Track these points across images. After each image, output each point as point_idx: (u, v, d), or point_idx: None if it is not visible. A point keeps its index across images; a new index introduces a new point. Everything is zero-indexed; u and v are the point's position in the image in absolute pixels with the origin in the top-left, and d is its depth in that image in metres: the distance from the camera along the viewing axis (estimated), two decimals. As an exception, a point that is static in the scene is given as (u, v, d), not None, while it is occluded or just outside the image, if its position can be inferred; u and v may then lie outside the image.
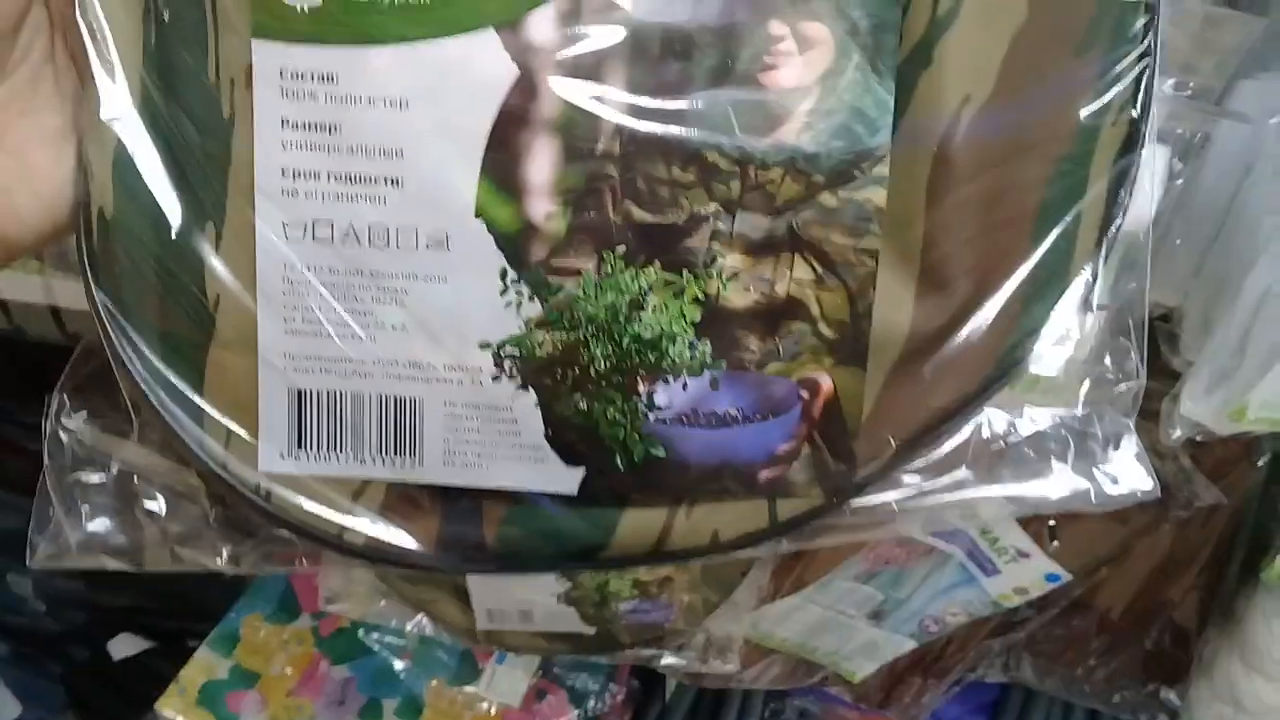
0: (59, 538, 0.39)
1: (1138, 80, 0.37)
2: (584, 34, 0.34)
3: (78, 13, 0.34)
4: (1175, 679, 0.70)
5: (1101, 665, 0.71)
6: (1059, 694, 0.73)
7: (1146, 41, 0.37)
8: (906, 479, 0.40)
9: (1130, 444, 0.41)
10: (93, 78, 0.35)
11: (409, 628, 0.59)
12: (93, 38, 0.35)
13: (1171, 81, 0.46)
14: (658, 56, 0.35)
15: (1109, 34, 0.36)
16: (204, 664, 0.73)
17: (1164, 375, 0.52)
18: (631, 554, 0.40)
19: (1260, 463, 0.64)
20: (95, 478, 0.39)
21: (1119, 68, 0.36)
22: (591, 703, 0.72)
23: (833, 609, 0.54)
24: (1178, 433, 0.53)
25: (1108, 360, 0.40)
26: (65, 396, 0.39)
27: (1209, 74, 0.50)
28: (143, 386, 0.37)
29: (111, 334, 0.36)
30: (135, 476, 0.38)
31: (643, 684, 0.76)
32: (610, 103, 0.35)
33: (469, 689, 0.73)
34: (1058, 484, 0.41)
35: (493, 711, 0.73)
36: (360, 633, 0.75)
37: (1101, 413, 0.41)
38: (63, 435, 0.39)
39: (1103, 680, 0.71)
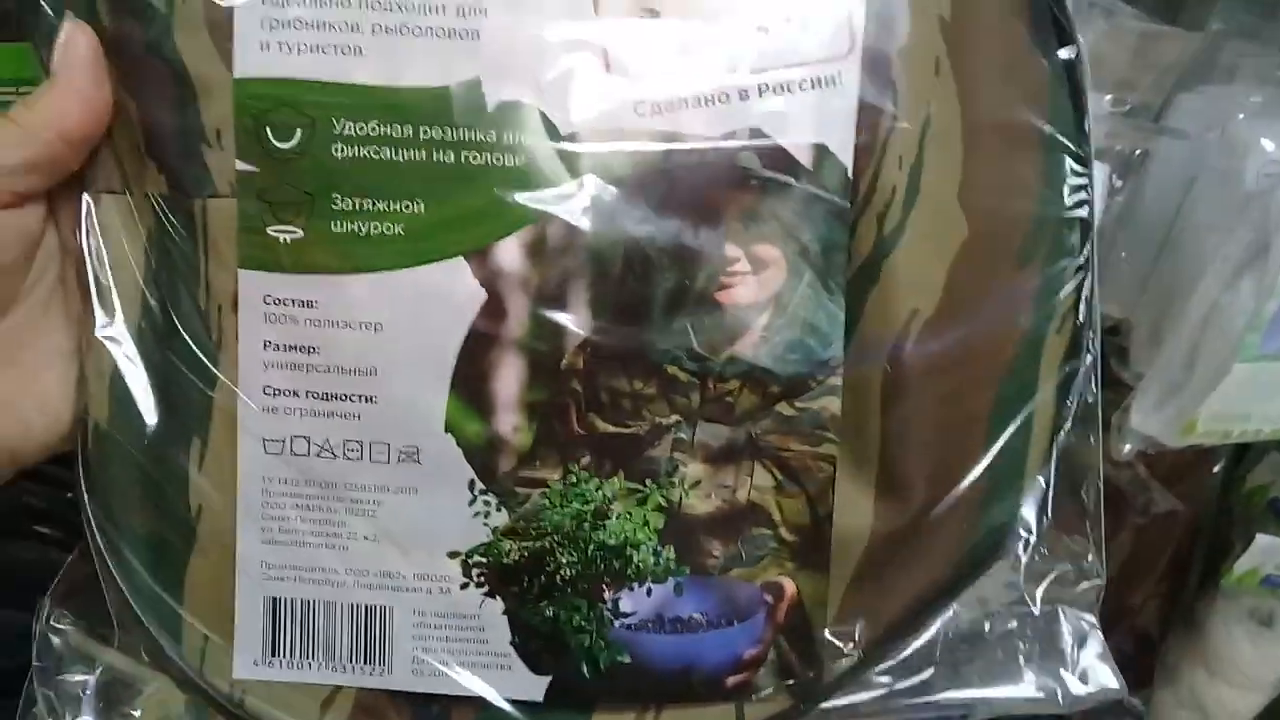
0: (41, 740, 0.39)
1: (1078, 289, 0.39)
2: (547, 259, 0.36)
3: (82, 239, 0.37)
4: (1138, 684, 0.68)
5: None
6: None
7: (1084, 253, 0.39)
8: (875, 679, 0.41)
9: (1095, 644, 0.41)
10: (92, 299, 0.37)
11: None
12: (95, 262, 0.37)
13: (1109, 98, 0.48)
14: (618, 278, 0.37)
15: (1047, 247, 0.38)
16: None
17: (1114, 386, 0.51)
18: None
19: (1216, 469, 0.64)
20: (80, 680, 0.39)
21: (1059, 278, 0.38)
22: None
23: None
24: (1128, 447, 0.52)
25: (1066, 560, 0.41)
26: (56, 601, 0.40)
27: (1147, 90, 0.50)
28: (125, 593, 0.38)
29: (100, 541, 0.38)
30: (117, 682, 0.39)
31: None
32: (574, 322, 0.37)
33: None
34: (1025, 686, 0.41)
35: None
36: None
37: (1063, 612, 0.41)
38: (52, 639, 0.39)
39: None
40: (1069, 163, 0.38)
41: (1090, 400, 0.40)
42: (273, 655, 0.39)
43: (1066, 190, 0.38)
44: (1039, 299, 0.39)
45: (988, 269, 0.38)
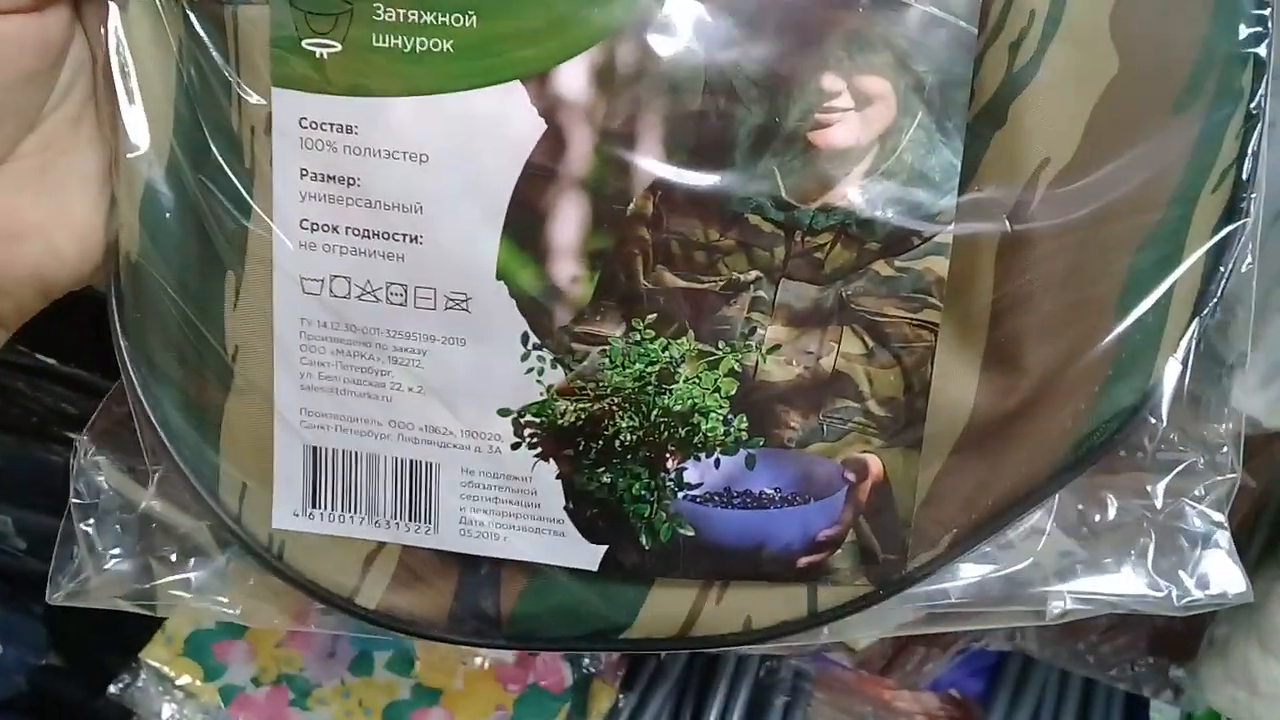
0: (79, 577, 0.38)
1: (1243, 140, 0.33)
2: (616, 87, 0.32)
3: (111, 50, 0.33)
4: (1183, 658, 0.66)
5: (1107, 639, 0.68)
6: (1060, 664, 0.70)
7: (1256, 98, 0.33)
8: (966, 567, 0.37)
9: (1222, 544, 0.37)
10: (121, 116, 0.34)
11: None
12: (123, 76, 0.34)
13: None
14: (697, 112, 0.32)
15: (1212, 89, 0.32)
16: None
17: (1210, 360, 0.47)
18: (655, 637, 0.37)
19: (1290, 445, 0.59)
20: (117, 521, 0.38)
21: (1223, 127, 0.33)
22: (586, 660, 0.70)
23: None
24: (1226, 426, 0.48)
25: (1197, 451, 0.36)
26: (94, 436, 0.38)
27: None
28: (161, 436, 0.36)
29: (134, 381, 0.36)
30: (154, 523, 0.38)
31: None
32: (644, 160, 0.32)
33: None
34: (1136, 583, 0.37)
35: (486, 666, 0.70)
36: None
37: (1189, 507, 0.37)
38: (88, 477, 0.38)
39: (1109, 654, 0.68)
40: None
41: (1244, 271, 0.34)
42: (313, 506, 0.37)
43: (1241, 21, 0.32)
44: (1197, 150, 0.33)
45: (1139, 113, 0.32)
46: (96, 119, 0.35)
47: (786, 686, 0.71)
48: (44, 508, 0.74)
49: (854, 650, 0.67)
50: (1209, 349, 0.36)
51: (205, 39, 0.33)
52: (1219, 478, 0.36)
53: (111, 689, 0.68)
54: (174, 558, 0.38)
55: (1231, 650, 0.63)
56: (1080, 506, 0.37)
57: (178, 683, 0.69)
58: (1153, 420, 0.35)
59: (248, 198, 0.34)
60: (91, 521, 0.38)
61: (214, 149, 0.34)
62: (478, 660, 0.71)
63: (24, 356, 0.70)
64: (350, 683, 0.70)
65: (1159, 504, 0.37)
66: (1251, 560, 0.63)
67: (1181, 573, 0.37)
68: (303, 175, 0.33)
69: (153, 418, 0.36)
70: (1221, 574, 0.37)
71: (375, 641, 0.71)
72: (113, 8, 0.33)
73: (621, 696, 0.70)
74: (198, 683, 0.69)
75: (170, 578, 0.38)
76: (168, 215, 0.34)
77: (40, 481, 0.73)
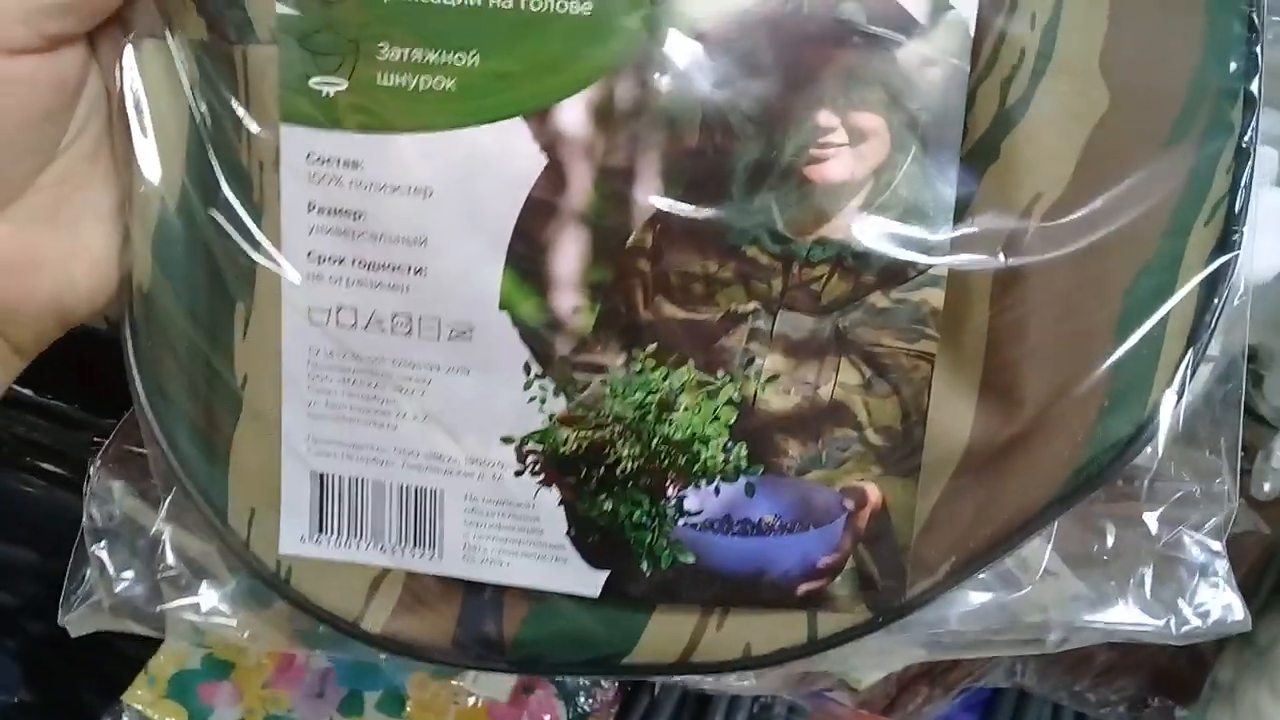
0: (91, 598, 0.39)
1: (1235, 174, 0.33)
2: (615, 123, 0.32)
3: (124, 85, 0.34)
4: (1186, 699, 0.67)
5: (1106, 680, 0.68)
6: (1060, 701, 0.70)
7: (1247, 133, 0.33)
8: (964, 595, 0.37)
9: (1220, 573, 0.37)
10: (134, 151, 0.35)
11: None
12: (136, 112, 0.34)
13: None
14: (694, 148, 0.33)
15: (1203, 123, 0.33)
16: (175, 654, 0.69)
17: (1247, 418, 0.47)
18: (656, 663, 0.38)
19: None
20: (128, 545, 0.39)
21: (1214, 160, 0.33)
22: (581, 699, 0.68)
23: None
24: (1268, 486, 0.48)
25: (1194, 481, 0.36)
26: (108, 460, 0.39)
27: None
28: (172, 462, 0.36)
29: (147, 408, 0.36)
30: (163, 547, 0.38)
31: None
32: (643, 194, 0.33)
33: (454, 682, 0.68)
34: (1135, 612, 0.37)
35: (479, 706, 0.68)
36: None
37: (1186, 536, 0.37)
38: (101, 501, 0.39)
39: (1110, 693, 0.68)
40: (1235, 24, 0.32)
41: (1237, 303, 0.35)
42: (320, 532, 0.37)
43: (1232, 55, 0.32)
44: (1189, 183, 0.33)
45: (1130, 148, 0.33)
46: (111, 154, 0.35)
47: (780, 722, 0.71)
48: (14, 539, 0.73)
49: (856, 690, 0.67)
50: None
51: (216, 77, 0.34)
52: (1215, 508, 0.37)
53: (92, 732, 0.67)
54: (184, 581, 0.39)
55: (1240, 694, 0.63)
56: (1079, 535, 0.37)
57: (161, 726, 0.67)
58: (1149, 450, 0.35)
59: (256, 231, 0.35)
60: (104, 544, 0.39)
61: (224, 183, 0.34)
62: (470, 700, 0.69)
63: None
64: (340, 723, 0.69)
65: (1156, 533, 0.37)
66: (1259, 604, 0.63)
67: (1180, 601, 0.37)
68: (310, 209, 0.34)
69: (164, 444, 0.36)
70: (1220, 603, 0.37)
71: (365, 681, 0.70)
72: (127, 46, 0.34)
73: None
74: (182, 725, 0.68)
75: (180, 601, 0.39)
76: (179, 248, 0.35)
77: (11, 513, 0.71)
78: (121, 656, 0.71)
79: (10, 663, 0.77)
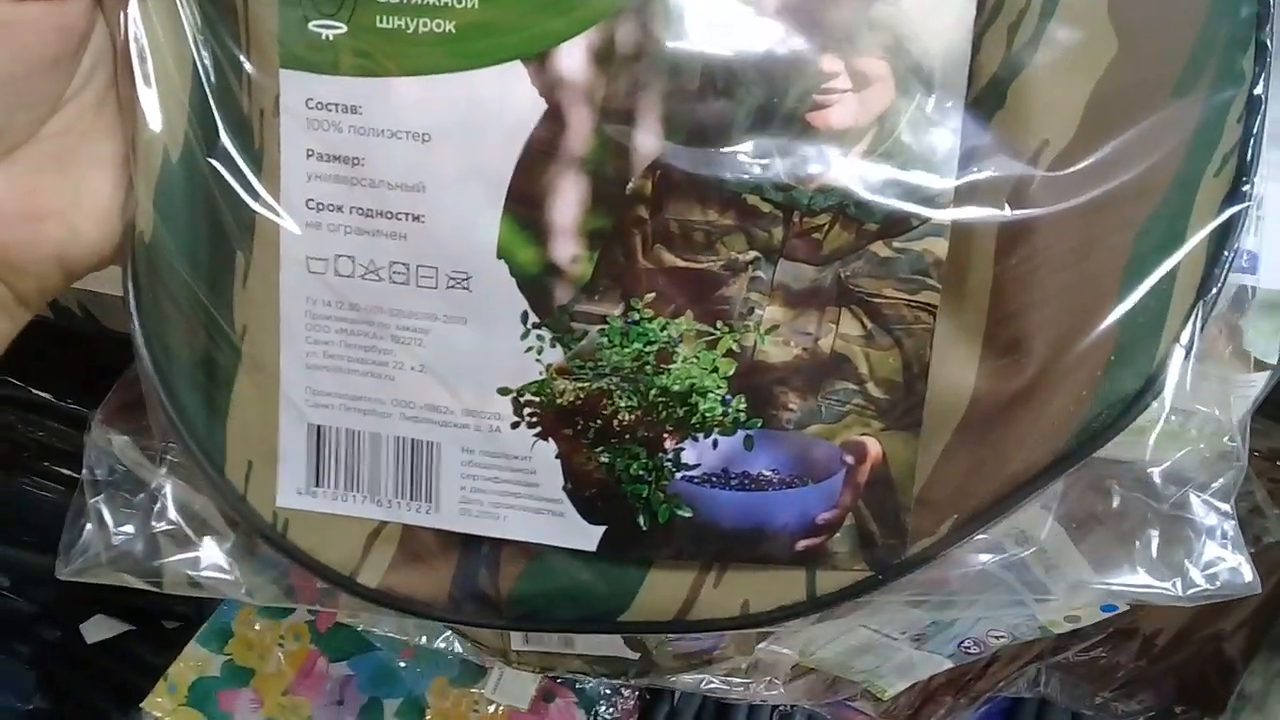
0: (89, 551, 0.39)
1: (1246, 124, 0.33)
2: (616, 67, 0.32)
3: (128, 34, 0.34)
4: (1212, 710, 0.67)
5: (1131, 690, 0.68)
6: (1082, 711, 0.70)
7: (1259, 83, 0.32)
8: (966, 554, 0.37)
9: (1228, 534, 0.36)
10: (137, 101, 0.35)
11: (439, 644, 0.57)
12: (140, 60, 0.34)
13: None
14: (696, 93, 0.32)
15: (1213, 72, 0.32)
16: (195, 660, 0.70)
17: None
18: (653, 620, 0.37)
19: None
20: (128, 498, 0.39)
21: (1224, 110, 0.32)
22: (601, 707, 0.69)
23: (880, 631, 0.52)
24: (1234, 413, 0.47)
25: (1201, 438, 0.36)
26: (108, 415, 0.39)
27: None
28: (171, 414, 0.36)
29: (146, 360, 0.36)
30: (163, 502, 0.38)
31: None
32: (643, 141, 0.33)
33: (474, 690, 0.69)
34: (1141, 574, 0.37)
35: (499, 713, 0.69)
36: (359, 628, 0.70)
37: (1194, 496, 0.36)
38: (100, 455, 0.39)
39: (1134, 704, 0.68)
40: None
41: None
42: (316, 485, 0.37)
43: (1242, 3, 0.32)
44: (1198, 133, 0.33)
45: (1138, 95, 0.32)
46: (116, 104, 0.35)
47: (799, 732, 0.71)
48: (30, 545, 0.74)
49: (880, 699, 0.66)
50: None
51: (218, 24, 0.33)
52: (1225, 467, 0.36)
53: (110, 740, 0.67)
54: (183, 536, 0.39)
55: (1270, 703, 0.64)
56: (1084, 496, 0.37)
57: (181, 733, 0.68)
58: (1156, 406, 0.34)
59: (255, 180, 0.34)
60: (102, 498, 0.39)
61: (224, 132, 0.34)
62: (490, 708, 0.70)
63: (17, 390, 0.70)
64: (359, 731, 0.69)
65: (1163, 493, 0.36)
66: None
67: (1188, 563, 0.37)
68: (309, 156, 0.34)
69: (163, 397, 0.36)
70: (1228, 565, 0.37)
71: (385, 688, 0.71)
72: (131, -6, 0.34)
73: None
74: (202, 733, 0.68)
75: (179, 555, 0.39)
76: (180, 197, 0.35)
77: (26, 518, 0.72)
78: (137, 663, 0.73)
79: (24, 669, 0.78)
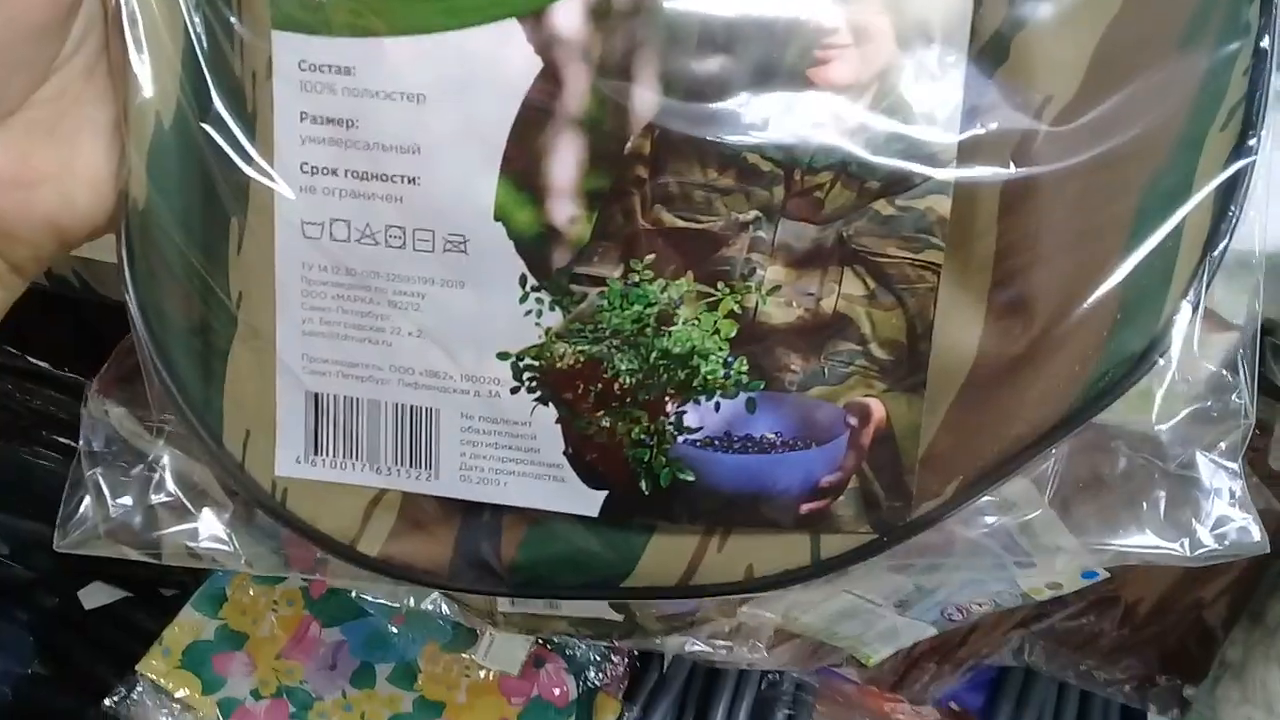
0: (86, 523, 0.39)
1: (1252, 77, 0.32)
2: (613, 24, 0.32)
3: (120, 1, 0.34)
4: (1193, 677, 0.68)
5: (1114, 658, 0.68)
6: (1067, 679, 0.71)
7: (1265, 35, 0.32)
8: (972, 516, 0.37)
9: (1236, 493, 0.36)
10: (130, 66, 0.34)
11: (426, 605, 0.57)
12: (131, 25, 0.34)
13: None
14: (694, 50, 0.32)
15: (1218, 25, 0.32)
16: (189, 624, 0.71)
17: (1267, 392, 0.46)
18: (656, 585, 0.37)
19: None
20: (125, 469, 0.38)
21: (1230, 63, 0.32)
22: (591, 673, 0.70)
23: (864, 597, 0.52)
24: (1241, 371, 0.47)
25: (1208, 396, 0.35)
26: (105, 385, 0.39)
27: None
28: (168, 384, 0.36)
29: (142, 329, 0.36)
30: (160, 471, 0.38)
31: (640, 652, 0.73)
32: (641, 99, 0.32)
33: (465, 655, 0.70)
34: (1148, 535, 0.36)
35: (490, 678, 0.70)
36: (353, 594, 0.71)
37: (1200, 455, 0.36)
38: (98, 426, 0.38)
39: (1117, 672, 0.69)
40: None
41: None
42: (315, 453, 0.37)
43: None
44: (1204, 87, 0.32)
45: (1142, 49, 0.32)
46: (108, 70, 0.35)
47: (788, 699, 0.71)
48: (29, 513, 0.74)
49: (865, 666, 0.67)
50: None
51: (209, -14, 0.33)
52: (1232, 425, 0.36)
53: (106, 702, 0.67)
54: (181, 507, 0.38)
55: (1249, 673, 0.63)
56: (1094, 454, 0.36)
57: (175, 695, 0.68)
58: (1161, 364, 0.34)
59: (249, 144, 0.34)
60: (99, 470, 0.38)
61: (217, 96, 0.34)
62: (481, 673, 0.70)
63: (15, 359, 0.70)
64: (352, 695, 0.69)
65: (1170, 452, 0.36)
66: (1267, 583, 0.63)
67: (1195, 523, 0.36)
68: (303, 119, 0.33)
69: (160, 366, 0.36)
70: (1236, 524, 0.36)
71: (378, 653, 0.71)
72: (122, -43, 0.33)
73: (626, 709, 0.70)
74: (196, 696, 0.68)
75: (177, 527, 0.38)
76: (173, 163, 0.34)
77: (26, 485, 0.72)
78: (134, 629, 0.73)
79: (23, 635, 0.79)
